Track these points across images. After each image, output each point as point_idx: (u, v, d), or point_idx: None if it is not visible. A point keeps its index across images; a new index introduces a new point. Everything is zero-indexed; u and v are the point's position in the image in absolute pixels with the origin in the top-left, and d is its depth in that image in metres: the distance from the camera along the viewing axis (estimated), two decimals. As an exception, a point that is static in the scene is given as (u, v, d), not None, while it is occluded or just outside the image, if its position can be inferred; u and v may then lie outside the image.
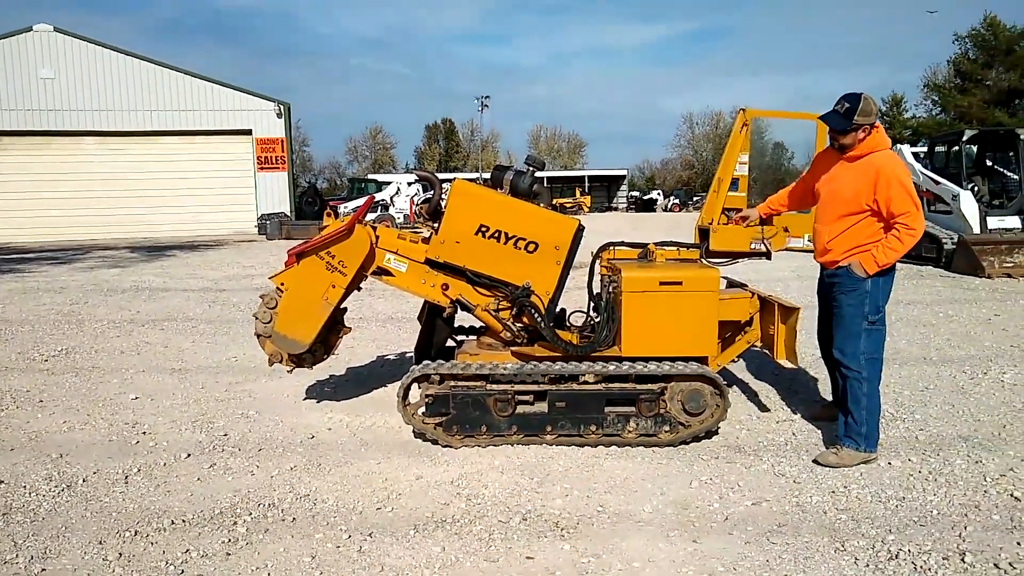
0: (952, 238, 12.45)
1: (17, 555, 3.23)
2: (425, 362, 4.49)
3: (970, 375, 5.91)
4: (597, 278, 4.91)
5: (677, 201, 58.06)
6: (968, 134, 13.65)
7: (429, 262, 4.52)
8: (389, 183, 31.09)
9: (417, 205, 25.85)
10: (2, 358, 6.97)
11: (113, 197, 27.52)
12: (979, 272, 11.52)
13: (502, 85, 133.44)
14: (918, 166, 14.38)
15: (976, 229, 12.48)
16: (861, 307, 4.09)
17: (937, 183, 13.55)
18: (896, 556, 3.15)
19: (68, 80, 27.27)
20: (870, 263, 4.01)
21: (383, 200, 27.47)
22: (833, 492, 3.79)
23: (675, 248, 4.88)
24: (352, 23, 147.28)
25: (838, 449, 4.15)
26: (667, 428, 4.40)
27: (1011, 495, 3.70)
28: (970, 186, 13.12)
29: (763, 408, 5.19)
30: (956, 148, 13.92)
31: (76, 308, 9.84)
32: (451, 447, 4.44)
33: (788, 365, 4.62)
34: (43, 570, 3.12)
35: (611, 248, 4.95)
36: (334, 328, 4.84)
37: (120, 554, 3.24)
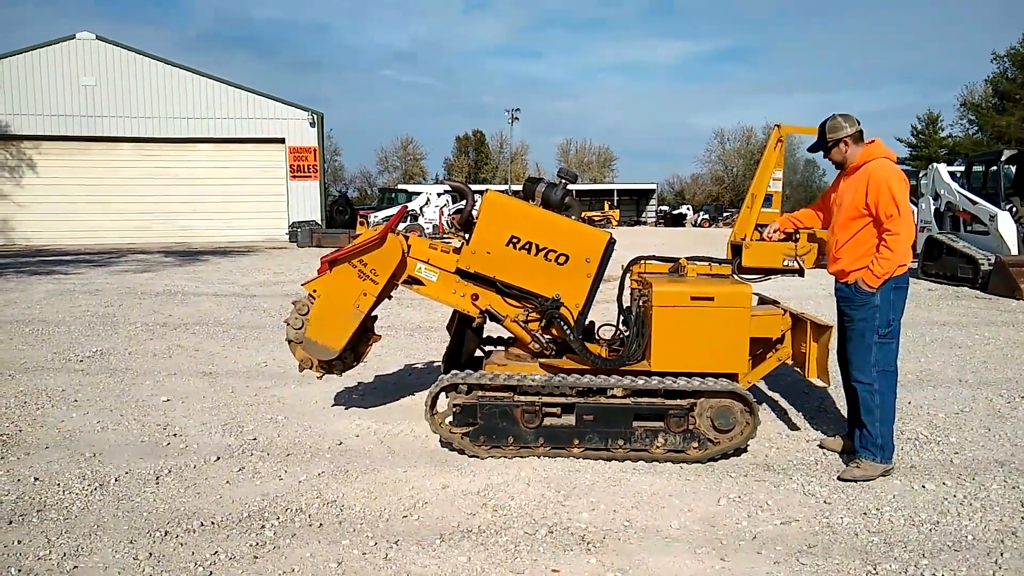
0: (989, 259, 12.22)
1: (50, 551, 3.28)
2: (453, 372, 4.50)
3: (1007, 399, 5.78)
4: (627, 292, 4.89)
5: (707, 216, 57.69)
6: (1007, 154, 13.43)
7: (460, 272, 4.54)
8: (419, 193, 31.30)
9: (449, 215, 25.96)
10: (39, 358, 7.12)
11: (148, 202, 28.12)
12: (1016, 294, 11.29)
13: (532, 98, 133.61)
14: (955, 185, 14.17)
15: (1014, 250, 12.25)
16: (872, 321, 4.17)
17: (974, 203, 13.34)
18: (930, 581, 3.08)
19: (108, 87, 27.95)
20: (870, 277, 4.11)
21: (412, 210, 27.67)
22: (865, 514, 3.73)
23: (707, 263, 4.85)
24: (384, 36, 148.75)
25: (859, 462, 4.20)
26: (696, 444, 4.36)
27: (1050, 523, 3.61)
28: (1008, 207, 12.89)
29: (793, 427, 5.13)
30: (994, 168, 13.70)
31: (111, 310, 10.02)
32: (478, 457, 4.44)
33: (819, 383, 4.57)
34: (75, 567, 3.16)
35: (642, 262, 4.94)
36: (364, 336, 4.87)
37: (150, 554, 3.28)
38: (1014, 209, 12.94)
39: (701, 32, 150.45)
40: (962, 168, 15.65)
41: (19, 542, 3.37)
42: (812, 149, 4.45)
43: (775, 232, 4.85)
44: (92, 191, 27.74)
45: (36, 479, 4.10)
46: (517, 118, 66.21)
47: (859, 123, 4.27)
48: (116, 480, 4.10)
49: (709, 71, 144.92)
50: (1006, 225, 12.48)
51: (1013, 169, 14.01)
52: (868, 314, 4.17)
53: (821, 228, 4.82)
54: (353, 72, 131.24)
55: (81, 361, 7.01)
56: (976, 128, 48.13)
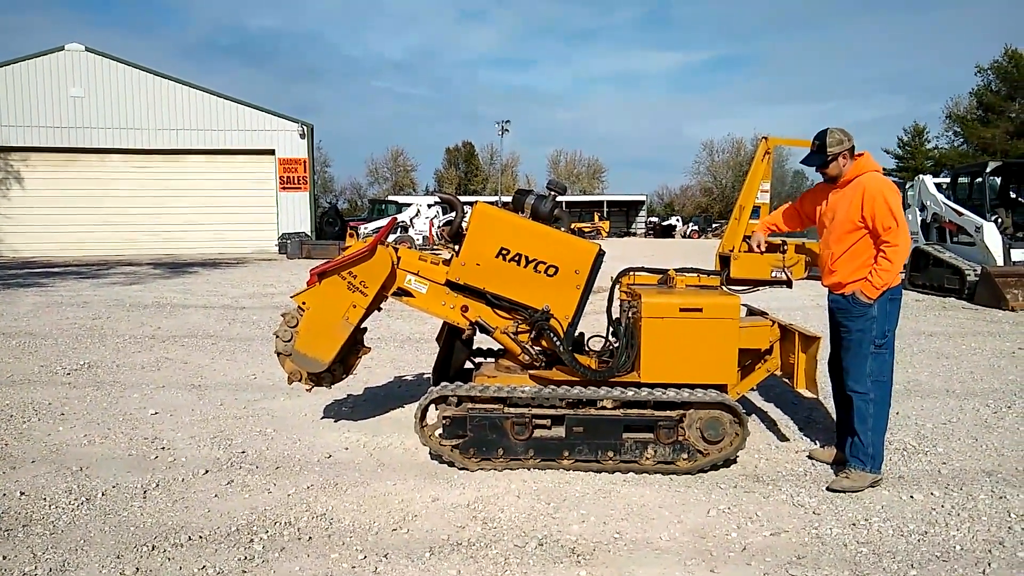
0: (975, 270, 12.33)
1: (36, 567, 3.25)
2: (443, 384, 4.50)
3: (994, 409, 5.82)
4: (616, 303, 4.91)
5: (696, 227, 57.98)
6: (992, 165, 13.56)
7: (449, 284, 4.54)
8: (409, 205, 31.29)
9: (439, 227, 25.96)
10: (26, 371, 7.06)
11: (137, 214, 28.01)
12: (1002, 304, 11.38)
13: (524, 109, 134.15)
14: (941, 197, 14.30)
15: (999, 261, 12.36)
16: (869, 331, 4.21)
17: (960, 214, 13.46)
18: (918, 592, 3.09)
19: (97, 99, 27.84)
20: (869, 288, 4.16)
21: (402, 222, 27.66)
22: (853, 524, 3.74)
23: (696, 275, 4.87)
24: (379, 46, 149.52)
25: (848, 472, 4.23)
26: (685, 456, 4.37)
27: (1036, 532, 3.64)
28: (993, 218, 13.01)
29: (782, 437, 5.14)
30: (979, 179, 13.82)
31: (99, 323, 9.96)
32: (467, 470, 4.43)
33: (808, 394, 4.59)
34: (61, 583, 3.13)
35: (631, 273, 4.96)
36: (353, 348, 4.86)
37: (137, 569, 3.25)
38: (999, 220, 13.06)
39: (694, 43, 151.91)
40: (948, 180, 15.79)
41: (4, 557, 3.33)
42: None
43: (761, 243, 4.88)
44: (80, 203, 27.59)
45: (22, 493, 4.06)
46: (507, 130, 66.37)
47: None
48: (103, 494, 4.07)
49: (702, 81, 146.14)
50: (991, 236, 12.59)
51: (998, 180, 14.16)
52: (865, 325, 4.21)
53: (783, 231, 4.89)
54: (345, 82, 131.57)
55: (68, 374, 6.96)
56: (961, 140, 48.64)
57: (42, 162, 27.75)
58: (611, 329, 4.84)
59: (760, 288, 5.06)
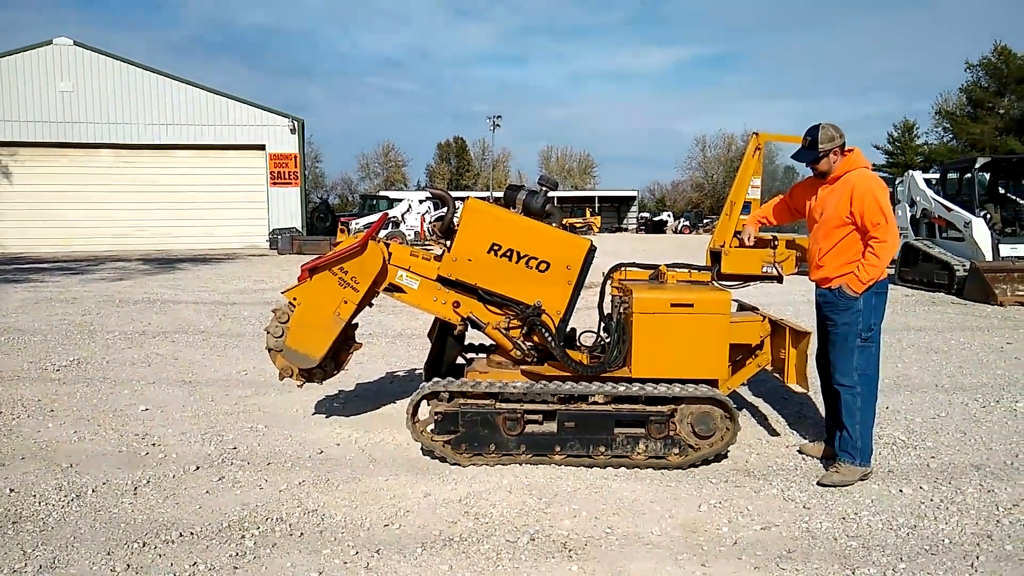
0: (964, 265, 12.41)
1: (26, 564, 3.24)
2: (435, 379, 4.50)
3: (982, 403, 5.86)
4: (608, 298, 4.92)
5: (687, 223, 58.09)
6: (981, 161, 13.63)
7: (441, 279, 4.54)
8: (401, 200, 31.22)
9: (430, 222, 25.94)
10: (15, 367, 7.02)
11: (127, 209, 27.83)
12: (991, 300, 11.46)
13: (516, 106, 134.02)
14: (930, 192, 14.37)
15: (988, 256, 12.44)
16: (855, 325, 4.24)
17: (949, 210, 13.53)
18: (907, 585, 3.12)
19: (86, 93, 27.64)
20: (855, 282, 4.18)
21: (394, 217, 27.60)
22: (843, 518, 3.77)
23: (687, 270, 4.89)
24: (370, 43, 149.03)
25: (838, 466, 4.25)
26: (676, 450, 4.38)
27: (1024, 525, 3.67)
28: (982, 213, 13.09)
29: (773, 432, 5.17)
30: (968, 175, 13.90)
31: (88, 319, 9.90)
32: (459, 465, 4.43)
33: (799, 389, 4.61)
34: (51, 580, 3.12)
35: (622, 269, 4.97)
36: (345, 344, 4.85)
37: (128, 565, 3.24)
38: (988, 216, 13.14)
39: (686, 40, 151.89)
40: (937, 175, 15.86)
41: (-6, 555, 3.32)
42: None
43: (751, 235, 4.90)
44: (69, 198, 27.38)
45: (11, 490, 4.04)
46: (499, 125, 66.29)
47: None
48: (93, 491, 4.05)
49: (694, 77, 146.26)
50: (980, 231, 12.67)
51: (987, 176, 14.23)
52: (852, 318, 4.23)
53: (772, 224, 4.92)
54: (338, 78, 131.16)
55: (58, 370, 6.92)
56: (951, 136, 48.84)
57: (30, 157, 27.54)
58: (602, 324, 4.85)
59: (751, 283, 5.08)
